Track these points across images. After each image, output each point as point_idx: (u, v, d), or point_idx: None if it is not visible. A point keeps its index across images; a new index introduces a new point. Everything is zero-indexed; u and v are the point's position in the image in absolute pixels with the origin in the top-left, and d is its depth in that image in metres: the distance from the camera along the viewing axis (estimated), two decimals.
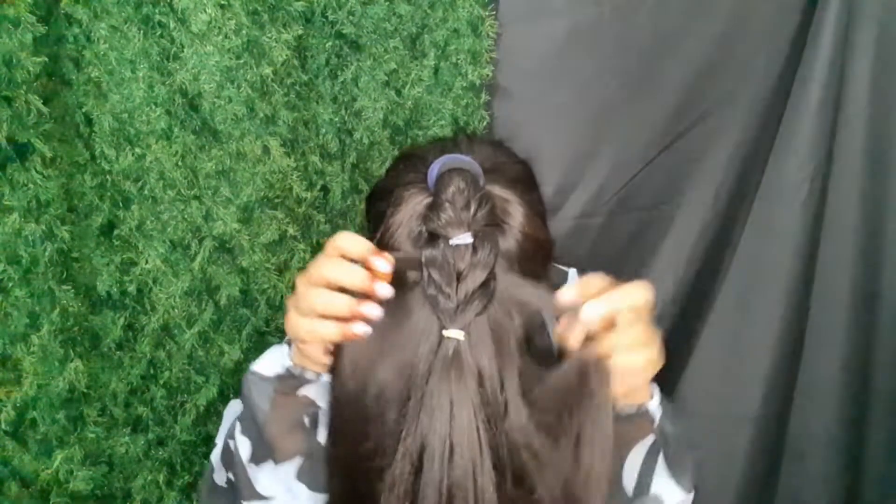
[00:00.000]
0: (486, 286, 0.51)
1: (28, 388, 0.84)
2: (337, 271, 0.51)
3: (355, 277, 0.51)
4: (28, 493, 0.87)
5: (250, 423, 0.57)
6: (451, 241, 0.52)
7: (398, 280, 0.53)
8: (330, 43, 0.96)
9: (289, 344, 0.58)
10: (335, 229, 1.01)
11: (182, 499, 0.96)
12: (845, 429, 1.25)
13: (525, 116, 1.06)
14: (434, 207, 0.53)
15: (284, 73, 0.92)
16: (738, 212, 1.19)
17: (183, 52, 0.85)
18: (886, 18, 1.10)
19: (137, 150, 0.87)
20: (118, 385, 0.92)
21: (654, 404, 0.59)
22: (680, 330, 1.22)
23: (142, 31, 0.84)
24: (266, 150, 0.91)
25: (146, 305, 0.91)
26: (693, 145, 1.14)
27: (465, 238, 0.52)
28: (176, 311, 0.92)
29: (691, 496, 0.61)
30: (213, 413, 0.97)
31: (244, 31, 0.85)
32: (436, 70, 1.01)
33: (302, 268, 0.97)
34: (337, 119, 0.99)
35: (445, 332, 0.50)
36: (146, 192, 0.89)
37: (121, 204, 0.89)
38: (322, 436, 0.56)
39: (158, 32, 0.85)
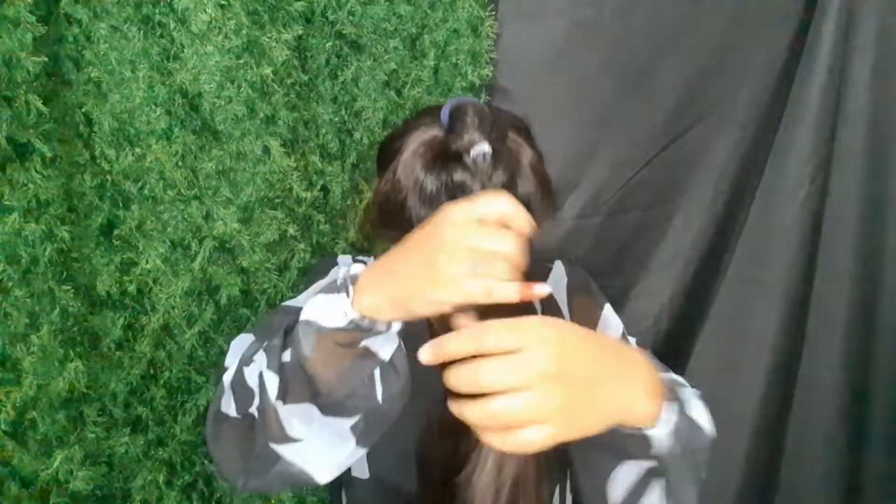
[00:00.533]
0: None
1: (28, 388, 0.83)
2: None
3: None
4: (28, 493, 0.87)
5: (293, 364, 0.52)
6: (471, 152, 0.56)
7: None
8: (330, 43, 0.96)
9: (346, 289, 0.52)
10: (335, 229, 1.01)
11: (182, 499, 0.96)
12: (845, 429, 1.25)
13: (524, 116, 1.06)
14: (454, 130, 0.58)
15: (284, 73, 0.92)
16: (738, 211, 1.19)
17: (183, 52, 0.85)
18: (886, 18, 1.10)
19: (137, 150, 0.87)
20: (118, 385, 0.92)
21: (661, 433, 0.52)
22: (679, 330, 1.22)
23: (142, 31, 0.84)
24: (266, 150, 0.91)
25: (146, 305, 0.91)
26: (692, 145, 1.14)
27: (483, 146, 0.55)
28: (176, 311, 0.92)
29: None
30: None
31: (244, 31, 0.85)
32: (436, 70, 1.01)
33: (302, 267, 0.98)
34: (337, 119, 0.99)
35: None
36: (146, 192, 0.88)
37: (121, 204, 0.89)
38: (380, 394, 0.52)
39: (158, 32, 0.85)
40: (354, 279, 0.52)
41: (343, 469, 0.55)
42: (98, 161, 0.87)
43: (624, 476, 0.55)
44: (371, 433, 0.54)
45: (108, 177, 0.88)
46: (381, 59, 0.97)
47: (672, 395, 0.54)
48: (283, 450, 0.52)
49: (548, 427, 0.45)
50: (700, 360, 1.24)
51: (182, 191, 0.89)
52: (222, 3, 0.84)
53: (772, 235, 1.19)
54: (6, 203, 0.80)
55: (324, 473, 0.54)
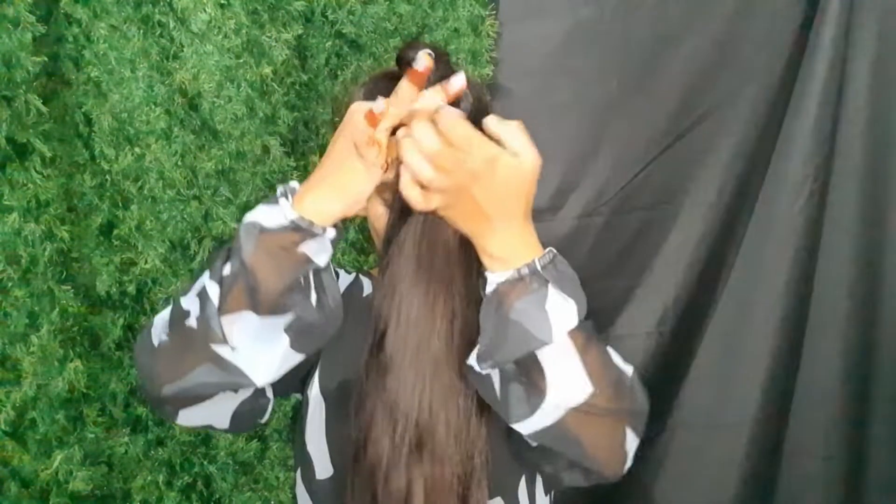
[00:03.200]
0: None
1: (28, 388, 0.84)
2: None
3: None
4: (28, 493, 0.87)
5: (234, 270, 0.55)
6: (417, 55, 0.59)
7: None
8: (330, 43, 0.96)
9: (285, 196, 0.57)
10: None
11: (181, 499, 0.96)
12: (845, 429, 1.24)
13: (525, 116, 1.04)
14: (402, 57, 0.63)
15: (284, 73, 0.92)
16: (741, 211, 1.19)
17: (183, 51, 0.85)
18: (886, 18, 1.10)
19: (137, 149, 0.87)
20: (118, 385, 0.92)
21: (495, 280, 0.55)
22: (682, 330, 1.22)
23: (141, 31, 0.84)
24: (266, 149, 0.91)
25: (146, 305, 0.91)
26: (695, 144, 1.14)
27: (426, 50, 0.58)
28: None
29: None
30: None
31: (244, 31, 0.85)
32: None
33: None
34: (337, 119, 0.99)
35: None
36: (146, 191, 0.88)
37: (120, 204, 0.89)
38: (315, 300, 0.57)
39: (158, 32, 0.85)
40: (293, 190, 0.57)
41: (280, 373, 0.57)
42: (98, 161, 0.87)
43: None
44: (305, 337, 0.57)
45: (108, 176, 0.88)
46: (381, 58, 0.97)
47: (538, 277, 0.55)
48: (222, 349, 0.55)
49: (436, 197, 0.54)
50: (704, 360, 1.24)
51: (181, 190, 0.89)
52: (222, 2, 0.84)
53: (773, 235, 1.19)
54: (6, 203, 0.80)
55: (260, 373, 0.56)
